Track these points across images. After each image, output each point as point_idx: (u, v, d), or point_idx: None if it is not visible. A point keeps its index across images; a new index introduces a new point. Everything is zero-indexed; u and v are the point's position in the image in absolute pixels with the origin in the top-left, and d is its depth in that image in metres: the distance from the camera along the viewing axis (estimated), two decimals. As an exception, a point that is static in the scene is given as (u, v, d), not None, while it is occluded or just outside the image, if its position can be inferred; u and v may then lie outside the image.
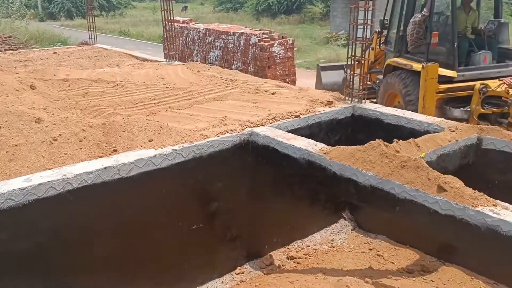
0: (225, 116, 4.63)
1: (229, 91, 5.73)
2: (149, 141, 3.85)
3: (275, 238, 4.79)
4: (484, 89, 6.67)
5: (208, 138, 4.01)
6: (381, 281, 3.99)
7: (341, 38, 22.00)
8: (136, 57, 8.71)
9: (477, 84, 6.81)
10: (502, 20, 7.74)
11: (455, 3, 7.04)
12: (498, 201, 2.82)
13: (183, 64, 7.55)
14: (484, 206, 2.76)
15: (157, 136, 3.95)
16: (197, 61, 11.75)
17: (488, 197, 2.86)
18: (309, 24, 29.42)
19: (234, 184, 4.27)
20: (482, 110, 6.71)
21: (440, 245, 4.50)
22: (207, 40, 11.98)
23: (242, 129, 4.28)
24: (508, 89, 6.38)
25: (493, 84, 6.66)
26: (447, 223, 2.89)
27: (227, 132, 4.18)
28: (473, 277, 4.26)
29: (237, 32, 10.99)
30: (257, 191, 4.48)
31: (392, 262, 4.59)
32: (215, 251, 4.29)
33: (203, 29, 12.21)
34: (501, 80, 6.60)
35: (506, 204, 2.78)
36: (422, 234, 4.22)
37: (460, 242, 3.13)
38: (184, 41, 12.93)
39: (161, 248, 3.80)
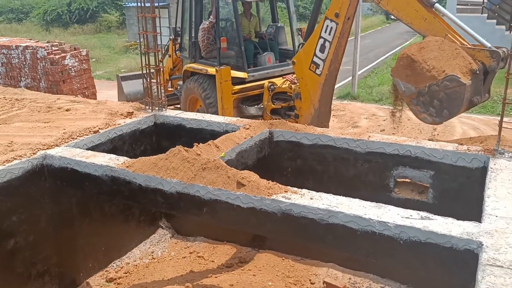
0: (11, 141, 4.15)
1: (14, 112, 5.14)
2: None
3: (90, 263, 4.50)
4: (272, 87, 7.40)
5: (-9, 169, 3.53)
6: (201, 282, 4.10)
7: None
8: None
9: (266, 82, 7.52)
10: (279, 24, 8.70)
11: (237, 11, 7.62)
12: (289, 187, 3.13)
13: (-47, 86, 6.49)
14: (278, 194, 3.04)
15: None
16: (-26, 81, 10.23)
17: (280, 185, 3.15)
18: (106, 33, 28.32)
19: (33, 215, 3.87)
20: (273, 105, 7.44)
21: (251, 236, 4.84)
22: (-16, 56, 10.52)
23: (34, 153, 3.88)
24: (291, 85, 7.20)
25: (278, 81, 7.44)
26: (250, 215, 3.11)
27: (15, 159, 3.75)
28: (283, 258, 4.72)
29: (20, 46, 9.92)
30: (62, 218, 4.14)
31: (212, 261, 4.77)
32: (20, 293, 3.82)
33: (-23, 44, 10.67)
34: (284, 78, 7.41)
35: (295, 189, 3.11)
36: (233, 229, 4.47)
37: (264, 231, 3.37)
38: (-46, 59, 11.09)
39: None
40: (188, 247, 5.07)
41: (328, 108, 6.46)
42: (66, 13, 29.44)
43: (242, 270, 4.56)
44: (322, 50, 5.76)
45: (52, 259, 4.12)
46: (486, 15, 15.75)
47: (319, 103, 6.02)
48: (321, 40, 5.77)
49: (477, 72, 4.45)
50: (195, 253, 4.91)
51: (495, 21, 15.42)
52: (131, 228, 4.99)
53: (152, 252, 4.96)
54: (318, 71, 5.88)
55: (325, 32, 5.70)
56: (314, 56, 5.90)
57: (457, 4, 16.21)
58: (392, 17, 5.37)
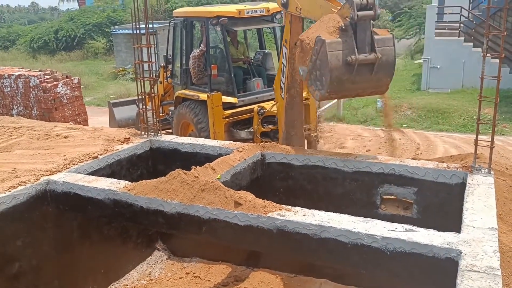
0: (15, 168, 4.30)
1: (14, 140, 5.30)
2: None
3: (90, 285, 4.63)
4: (261, 111, 7.67)
5: (-3, 195, 3.69)
6: (200, 300, 4.25)
7: (129, 72, 22.01)
8: None
9: (255, 107, 7.79)
10: (266, 51, 9.03)
11: (226, 39, 7.94)
12: (283, 205, 3.36)
13: (-50, 116, 6.63)
14: (273, 211, 3.26)
15: None
16: (-34, 110, 10.33)
17: (275, 204, 3.37)
18: (93, 60, 28.55)
19: (36, 239, 4.01)
20: (262, 128, 7.69)
21: (247, 254, 5.02)
22: (-24, 86, 10.64)
23: (37, 179, 4.05)
24: (279, 108, 7.47)
25: (267, 105, 7.71)
26: (247, 233, 3.31)
27: (20, 185, 3.91)
28: (277, 275, 4.89)
29: (13, 75, 10.08)
30: (64, 241, 4.29)
31: (209, 280, 4.92)
32: (22, 316, 3.93)
33: (-32, 73, 10.79)
34: (273, 102, 7.68)
35: (289, 207, 3.34)
36: (230, 248, 4.65)
37: (261, 247, 3.57)
38: None
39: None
40: (184, 267, 5.21)
41: (299, 132, 6.37)
42: (53, 41, 29.64)
43: (238, 288, 4.72)
44: (283, 74, 5.98)
45: (54, 282, 4.24)
46: (463, 38, 16.41)
47: (285, 125, 6.09)
48: (282, 66, 6.02)
49: (343, 27, 4.17)
50: (192, 273, 5.05)
51: (471, 44, 16.06)
52: (128, 250, 5.12)
53: (149, 274, 5.09)
54: (282, 95, 6.08)
55: (283, 58, 5.96)
56: (280, 81, 6.13)
57: (436, 29, 16.87)
58: None
